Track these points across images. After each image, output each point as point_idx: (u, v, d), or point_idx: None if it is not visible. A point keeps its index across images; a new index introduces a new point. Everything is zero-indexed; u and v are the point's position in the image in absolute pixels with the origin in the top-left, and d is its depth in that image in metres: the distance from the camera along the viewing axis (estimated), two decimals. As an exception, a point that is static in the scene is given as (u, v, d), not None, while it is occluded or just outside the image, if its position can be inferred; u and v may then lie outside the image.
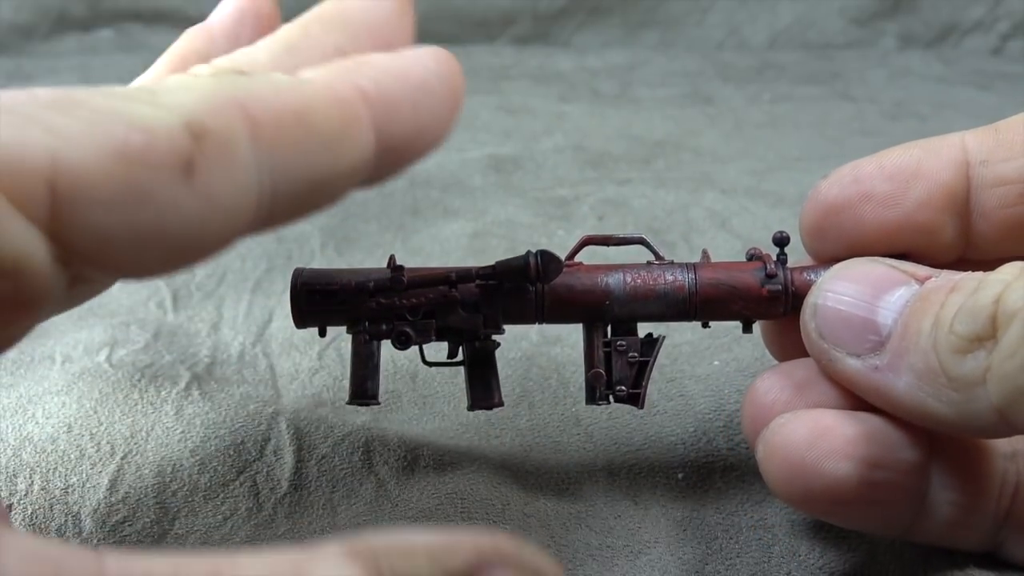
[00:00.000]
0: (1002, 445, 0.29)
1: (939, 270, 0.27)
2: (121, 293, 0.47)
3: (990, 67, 1.02)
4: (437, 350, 0.32)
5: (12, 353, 0.42)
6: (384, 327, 0.31)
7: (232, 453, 0.35)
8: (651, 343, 0.31)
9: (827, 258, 0.30)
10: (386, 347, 0.31)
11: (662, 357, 0.33)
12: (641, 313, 0.31)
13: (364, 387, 0.31)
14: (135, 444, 0.35)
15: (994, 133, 0.29)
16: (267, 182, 0.21)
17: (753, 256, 0.32)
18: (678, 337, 0.43)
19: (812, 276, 0.30)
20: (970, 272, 0.25)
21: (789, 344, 0.32)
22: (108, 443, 0.35)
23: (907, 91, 0.92)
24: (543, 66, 1.02)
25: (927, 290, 0.25)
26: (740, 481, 0.34)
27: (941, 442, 0.28)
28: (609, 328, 0.31)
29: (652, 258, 0.32)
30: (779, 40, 1.10)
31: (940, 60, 1.04)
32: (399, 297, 0.30)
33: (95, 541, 0.31)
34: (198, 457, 0.35)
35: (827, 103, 0.87)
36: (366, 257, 0.53)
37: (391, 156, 0.23)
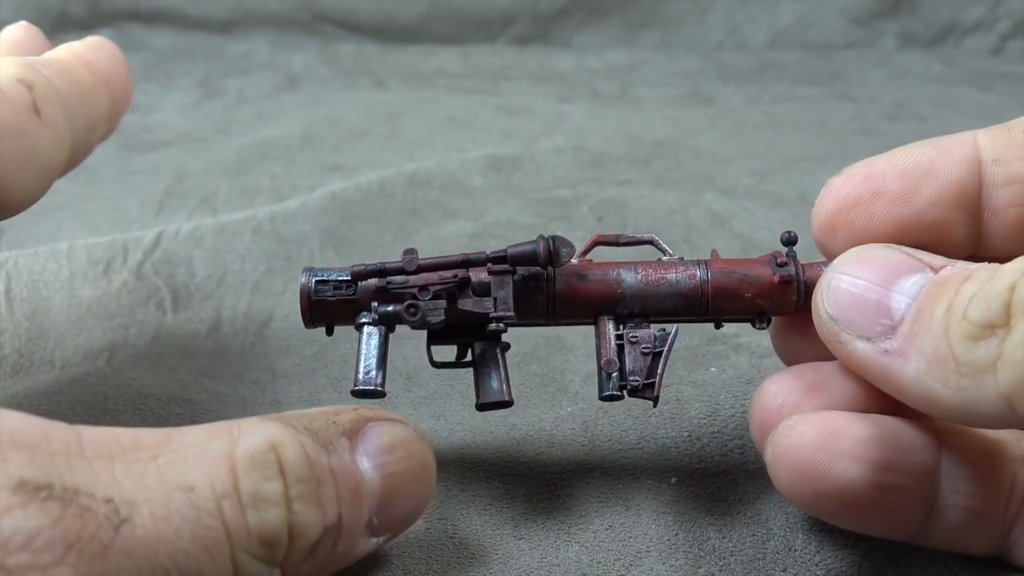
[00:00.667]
0: (1012, 448, 0.28)
1: (954, 260, 0.26)
2: (121, 293, 0.47)
3: (990, 67, 1.02)
4: (446, 355, 0.32)
5: (11, 357, 0.42)
6: (392, 307, 0.31)
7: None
8: (664, 336, 0.31)
9: (839, 255, 0.30)
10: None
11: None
12: (653, 307, 0.31)
13: (369, 376, 0.30)
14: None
15: (1006, 132, 0.29)
16: (71, 121, 0.32)
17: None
18: (677, 343, 0.43)
19: (824, 269, 0.30)
20: (985, 263, 0.25)
21: (799, 346, 0.31)
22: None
23: (907, 91, 0.92)
24: (543, 66, 1.02)
25: (942, 277, 0.25)
26: (734, 485, 0.34)
27: (952, 446, 0.28)
28: (622, 326, 0.31)
29: (663, 257, 0.32)
30: (779, 40, 1.10)
31: (940, 60, 1.04)
32: (410, 279, 0.30)
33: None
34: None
35: (827, 103, 0.87)
36: (365, 258, 0.52)
37: (115, 107, 0.36)
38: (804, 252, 0.32)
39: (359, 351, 0.31)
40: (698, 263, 0.31)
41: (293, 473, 0.23)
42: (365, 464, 0.26)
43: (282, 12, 1.09)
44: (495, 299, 0.31)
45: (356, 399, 0.31)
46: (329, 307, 0.31)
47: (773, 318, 0.32)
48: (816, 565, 0.30)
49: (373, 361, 0.30)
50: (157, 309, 0.46)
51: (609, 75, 0.98)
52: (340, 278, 0.31)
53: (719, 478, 0.34)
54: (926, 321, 0.25)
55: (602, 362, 0.31)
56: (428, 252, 0.54)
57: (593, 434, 0.37)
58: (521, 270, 0.31)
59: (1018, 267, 0.24)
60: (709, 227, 0.57)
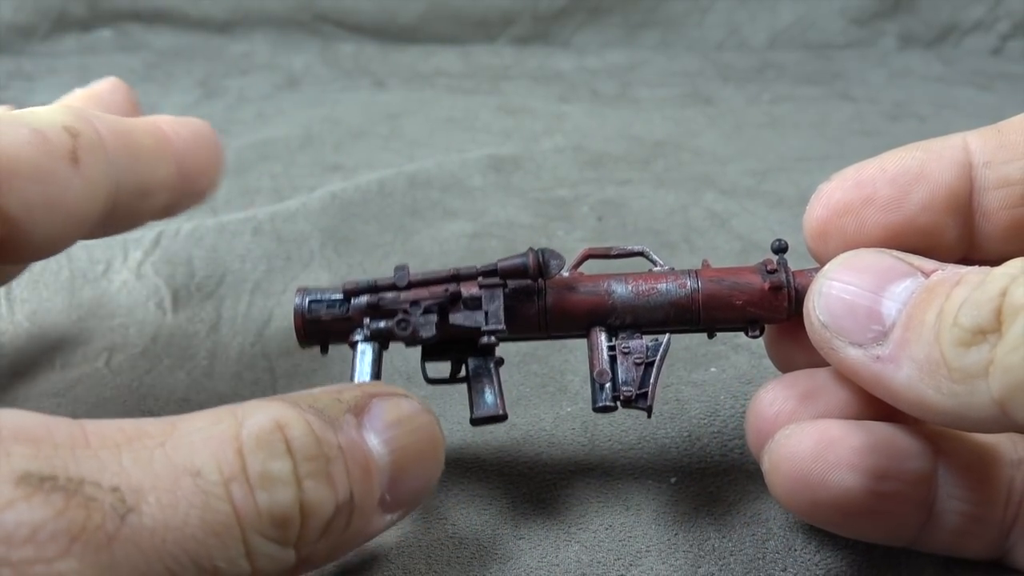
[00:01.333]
0: (1008, 452, 0.28)
1: (945, 264, 0.26)
2: (120, 293, 0.47)
3: (990, 67, 1.02)
4: (442, 371, 0.32)
5: (11, 357, 0.42)
6: (384, 323, 0.31)
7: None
8: (656, 346, 0.31)
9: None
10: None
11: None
12: (645, 317, 0.31)
13: None
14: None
15: (997, 134, 0.28)
16: (114, 178, 0.31)
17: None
18: (676, 343, 0.42)
19: (815, 276, 0.30)
20: (976, 266, 0.25)
21: (793, 353, 0.31)
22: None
23: (907, 91, 0.92)
24: (543, 66, 1.02)
25: (932, 282, 0.25)
26: (733, 485, 0.34)
27: (948, 451, 0.28)
28: (614, 337, 0.31)
29: (653, 267, 0.32)
30: (779, 40, 1.10)
31: (940, 60, 1.04)
32: (402, 294, 0.31)
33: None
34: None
35: (827, 103, 0.87)
36: (365, 258, 0.53)
37: (185, 184, 0.35)
38: (802, 256, 0.32)
39: (353, 368, 0.31)
40: (688, 273, 0.31)
41: (301, 451, 0.23)
42: (373, 440, 0.26)
43: (282, 12, 1.09)
44: (486, 312, 0.31)
45: None
46: (323, 326, 0.32)
47: (767, 326, 0.32)
48: (816, 565, 0.30)
49: (367, 379, 0.31)
50: (157, 309, 0.46)
51: (609, 75, 0.98)
52: (333, 297, 0.32)
53: (719, 478, 0.34)
54: (917, 327, 0.25)
55: (595, 373, 0.31)
56: (428, 252, 0.54)
57: (593, 434, 0.37)
58: (512, 283, 0.31)
59: (1008, 272, 0.23)
60: (709, 227, 0.57)
